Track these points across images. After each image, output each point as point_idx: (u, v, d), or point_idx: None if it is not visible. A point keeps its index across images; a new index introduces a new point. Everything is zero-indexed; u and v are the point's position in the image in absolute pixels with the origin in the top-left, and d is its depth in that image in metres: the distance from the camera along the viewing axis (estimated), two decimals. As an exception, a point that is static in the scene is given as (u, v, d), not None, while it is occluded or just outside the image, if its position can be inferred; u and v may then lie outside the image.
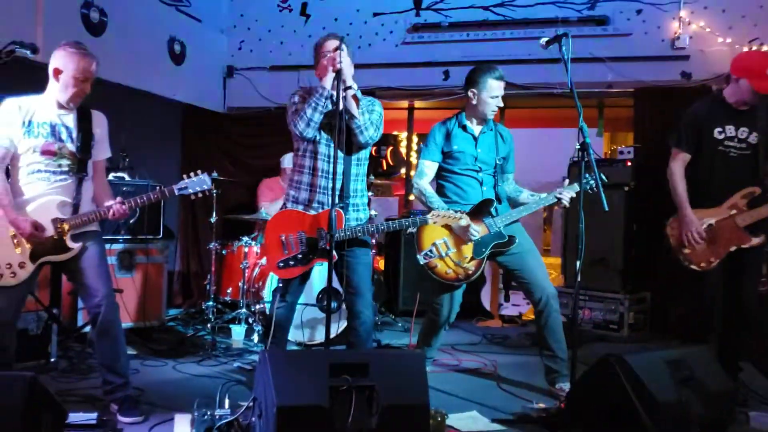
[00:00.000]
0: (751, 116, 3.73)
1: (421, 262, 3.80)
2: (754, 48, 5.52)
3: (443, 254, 3.79)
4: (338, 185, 3.36)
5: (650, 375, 2.87)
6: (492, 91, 3.80)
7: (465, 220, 3.63)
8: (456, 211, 3.48)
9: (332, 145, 3.46)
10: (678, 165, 3.84)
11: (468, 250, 3.80)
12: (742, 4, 5.63)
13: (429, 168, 3.93)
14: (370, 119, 3.47)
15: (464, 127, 3.92)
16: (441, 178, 3.97)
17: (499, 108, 3.91)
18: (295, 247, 3.46)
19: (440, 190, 3.95)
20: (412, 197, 7.57)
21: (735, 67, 3.77)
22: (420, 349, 4.09)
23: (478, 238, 3.77)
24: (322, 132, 3.48)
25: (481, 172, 3.91)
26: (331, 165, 3.44)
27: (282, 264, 3.47)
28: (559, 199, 3.83)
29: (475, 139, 3.92)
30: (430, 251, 3.78)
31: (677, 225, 3.82)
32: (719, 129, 3.74)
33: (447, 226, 3.76)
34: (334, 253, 3.28)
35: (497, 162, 3.94)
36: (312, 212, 3.49)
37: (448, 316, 3.99)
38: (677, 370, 2.96)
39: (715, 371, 3.16)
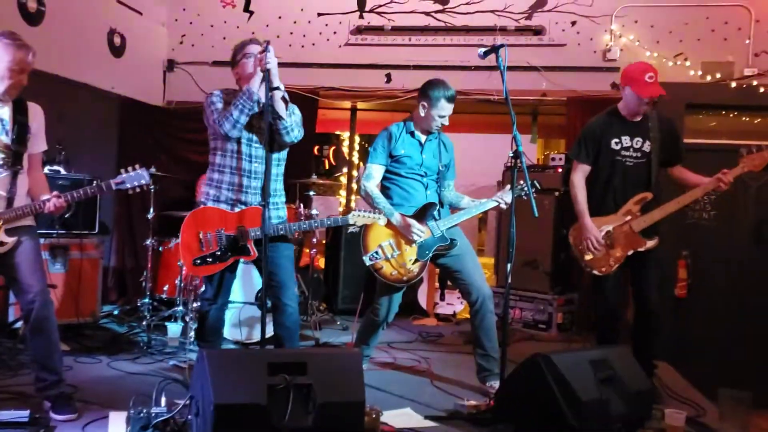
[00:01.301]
0: (644, 126, 3.96)
1: (367, 263, 3.88)
2: (678, 63, 5.83)
3: (389, 256, 3.88)
4: (261, 185, 3.41)
5: (574, 374, 3.03)
6: (441, 111, 3.90)
7: (382, 221, 3.72)
8: (377, 213, 3.59)
9: (253, 145, 3.51)
10: (578, 176, 4.06)
11: (412, 252, 3.90)
12: (668, 21, 5.95)
13: (376, 171, 4.02)
14: (294, 120, 3.52)
15: (411, 133, 4.03)
16: (387, 180, 4.05)
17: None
18: (213, 245, 3.49)
19: (385, 192, 4.03)
20: (354, 197, 7.65)
21: (622, 78, 4.02)
22: (358, 348, 4.17)
23: (421, 241, 3.88)
24: (244, 131, 3.50)
25: (425, 177, 4.02)
26: (254, 164, 3.50)
27: (199, 261, 3.49)
28: (499, 204, 3.97)
29: (421, 145, 4.02)
30: (376, 253, 3.87)
31: (577, 233, 4.03)
32: (616, 140, 3.97)
33: (392, 228, 3.86)
34: (255, 250, 3.36)
35: (440, 168, 4.06)
36: (235, 210, 3.52)
37: (386, 315, 4.08)
38: (600, 369, 3.13)
39: (635, 371, 3.35)
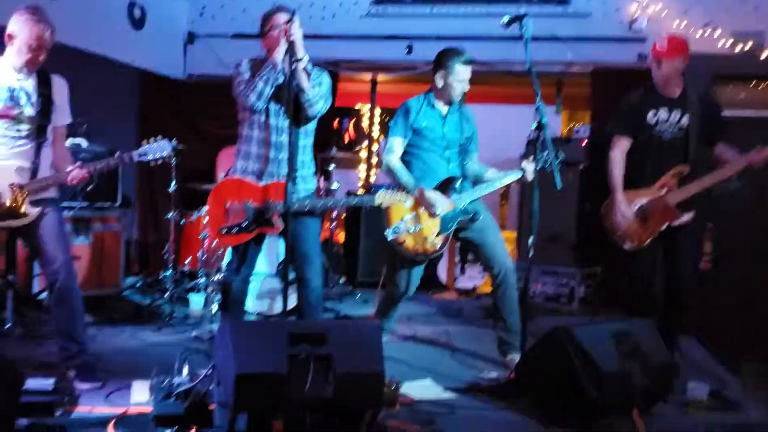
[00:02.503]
0: (682, 101, 3.88)
1: (390, 238, 3.84)
2: (707, 33, 5.68)
3: (411, 229, 3.85)
4: (287, 156, 3.38)
5: (596, 347, 3.00)
6: (459, 75, 3.84)
7: (409, 203, 3.71)
8: (404, 194, 3.57)
9: (281, 116, 3.49)
10: (616, 151, 3.98)
11: (435, 225, 3.87)
12: (697, -11, 5.78)
13: (398, 144, 3.97)
14: (319, 92, 3.48)
15: (432, 106, 3.97)
16: (408, 153, 4.00)
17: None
18: (240, 215, 3.48)
19: (407, 166, 3.98)
20: (374, 170, 7.62)
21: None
22: (378, 320, 4.17)
23: (444, 214, 3.85)
24: (271, 103, 3.48)
25: (447, 150, 3.98)
26: (280, 136, 3.47)
27: (225, 230, 3.49)
28: (524, 174, 3.92)
29: (443, 117, 3.97)
30: (398, 227, 3.84)
31: (609, 207, 3.97)
32: (653, 113, 3.89)
33: (415, 202, 3.83)
34: (281, 223, 3.34)
35: (462, 141, 4.01)
36: (261, 183, 3.51)
37: (407, 289, 4.06)
38: (622, 342, 3.09)
39: (658, 344, 3.30)
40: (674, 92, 3.88)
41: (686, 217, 3.80)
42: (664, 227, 3.82)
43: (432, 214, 3.84)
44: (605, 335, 3.10)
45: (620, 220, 3.89)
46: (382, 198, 3.50)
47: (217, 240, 5.06)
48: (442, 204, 3.82)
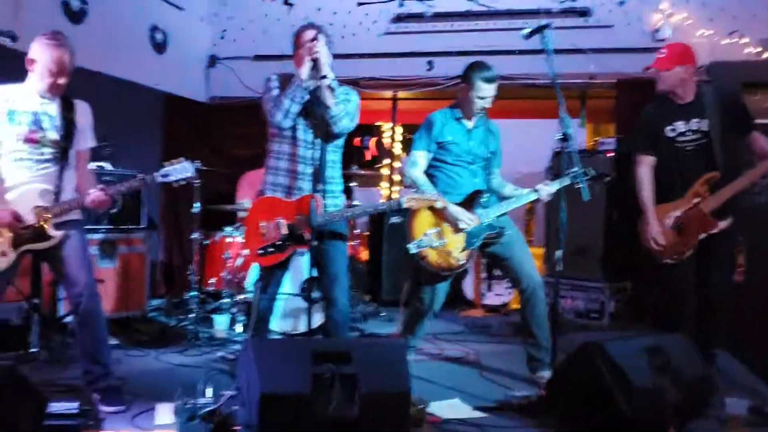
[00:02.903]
0: (698, 106, 3.80)
1: (413, 251, 3.77)
2: (734, 41, 5.59)
3: (435, 244, 3.79)
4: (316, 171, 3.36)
5: (628, 362, 2.91)
6: (480, 92, 3.80)
7: (441, 203, 3.64)
8: (434, 193, 3.52)
9: (309, 130, 3.47)
10: (642, 170, 3.93)
11: (460, 240, 3.81)
12: (721, -3, 5.69)
13: (421, 158, 3.93)
14: (345, 109, 3.46)
15: (458, 120, 3.93)
16: (433, 168, 3.96)
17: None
18: (275, 234, 3.46)
19: (432, 180, 3.92)
20: (396, 188, 7.59)
21: (676, 60, 3.85)
22: (403, 338, 4.11)
23: (470, 229, 3.79)
24: (300, 118, 3.48)
25: (473, 165, 3.93)
26: (309, 151, 3.45)
27: (262, 251, 3.47)
28: (539, 196, 3.85)
29: (468, 131, 3.93)
30: (422, 241, 3.78)
31: (643, 225, 3.91)
32: (670, 128, 3.83)
33: (439, 216, 3.78)
34: (312, 237, 3.30)
35: (487, 155, 3.96)
36: (292, 198, 3.49)
37: (432, 305, 3.99)
38: (655, 357, 2.99)
39: (692, 358, 3.20)
40: (687, 99, 3.81)
41: (723, 224, 3.70)
42: (702, 236, 3.72)
43: (457, 229, 3.79)
44: (637, 350, 3.01)
45: (656, 236, 3.80)
46: (410, 200, 3.45)
47: (243, 259, 5.12)
48: (467, 218, 3.77)
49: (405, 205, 3.47)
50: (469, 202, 3.83)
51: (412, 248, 3.77)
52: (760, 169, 3.69)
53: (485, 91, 3.80)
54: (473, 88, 3.80)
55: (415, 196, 3.45)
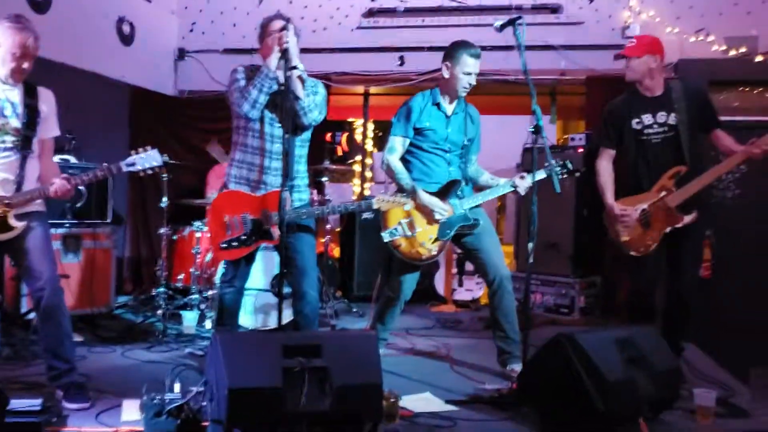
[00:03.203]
0: (666, 99, 3.83)
1: (386, 240, 3.76)
2: (701, 38, 5.67)
3: (408, 233, 3.77)
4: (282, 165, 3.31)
5: (600, 354, 2.91)
6: (465, 67, 3.76)
7: (409, 206, 3.64)
8: (403, 197, 3.51)
9: (276, 124, 3.44)
10: (602, 162, 4.01)
11: (433, 230, 3.79)
12: (689, -5, 5.76)
13: (399, 143, 3.89)
14: (314, 101, 3.44)
15: (438, 105, 3.89)
16: (408, 153, 3.92)
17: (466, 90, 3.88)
18: (239, 228, 3.42)
19: (406, 166, 3.89)
20: (367, 184, 7.56)
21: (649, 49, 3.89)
22: (374, 329, 4.07)
23: (444, 220, 3.77)
24: (267, 111, 3.43)
25: (449, 153, 3.90)
26: (275, 145, 3.43)
27: (225, 245, 3.43)
28: (516, 188, 3.85)
29: (448, 118, 3.89)
30: (395, 230, 3.76)
31: (609, 216, 3.94)
32: (636, 120, 3.86)
33: (415, 205, 3.76)
34: (277, 235, 3.25)
35: (465, 143, 3.93)
36: (258, 193, 3.44)
37: (402, 293, 3.97)
38: (626, 349, 3.01)
39: (662, 350, 3.23)
40: (655, 92, 3.84)
41: (688, 218, 3.74)
42: (667, 230, 3.75)
43: (430, 220, 3.77)
44: (609, 342, 3.02)
45: (621, 226, 3.83)
46: (380, 202, 3.44)
47: (213, 255, 5.05)
48: (441, 209, 3.75)
49: (375, 206, 3.46)
50: (445, 192, 3.81)
51: (386, 237, 3.76)
52: (726, 164, 3.73)
53: (471, 67, 3.76)
54: (459, 63, 3.76)
55: (385, 198, 3.45)
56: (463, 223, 3.81)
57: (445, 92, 3.88)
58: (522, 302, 3.70)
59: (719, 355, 4.35)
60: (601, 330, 3.72)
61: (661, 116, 3.81)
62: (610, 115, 3.99)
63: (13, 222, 3.07)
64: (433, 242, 3.78)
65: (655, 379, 3.01)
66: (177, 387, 2.98)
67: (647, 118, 3.84)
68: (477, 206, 3.89)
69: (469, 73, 3.78)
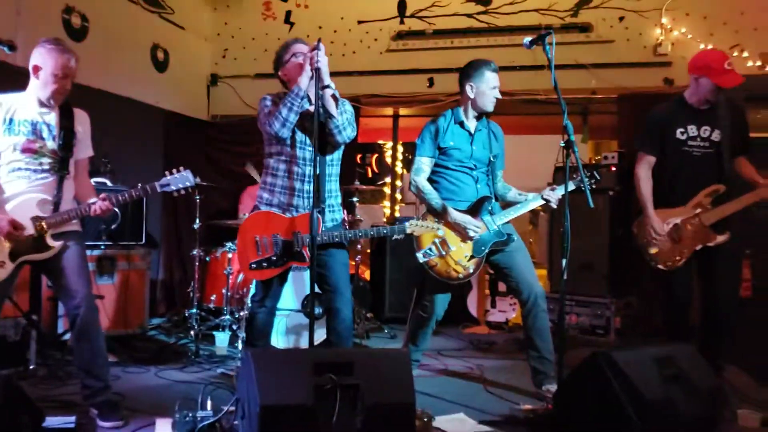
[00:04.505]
0: (712, 114, 3.77)
1: (421, 260, 3.75)
2: (735, 54, 5.58)
3: (443, 253, 3.75)
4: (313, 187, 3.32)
5: (638, 372, 2.84)
6: (490, 82, 3.79)
7: (442, 231, 3.65)
8: (436, 223, 3.54)
9: (306, 147, 3.45)
10: (642, 168, 3.92)
11: (468, 248, 3.77)
12: (722, 11, 5.69)
13: (425, 164, 3.89)
14: (347, 119, 3.45)
15: (461, 124, 3.90)
16: (435, 173, 3.93)
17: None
18: (269, 249, 3.43)
19: (434, 187, 3.90)
20: (398, 206, 7.55)
21: (693, 67, 3.82)
22: (406, 349, 4.04)
23: (477, 237, 3.75)
24: (297, 134, 3.45)
25: (475, 170, 3.89)
26: (307, 167, 3.43)
27: (255, 265, 3.43)
28: (547, 201, 3.82)
29: (471, 135, 3.89)
30: (430, 249, 3.75)
31: (641, 226, 3.87)
32: (681, 129, 3.80)
33: (447, 225, 3.75)
34: (309, 257, 3.26)
35: (490, 159, 3.92)
36: (288, 215, 3.46)
37: (435, 312, 3.95)
38: (665, 367, 2.94)
39: (703, 368, 3.13)
40: (704, 106, 3.78)
41: (721, 238, 3.66)
42: (698, 248, 3.68)
43: (464, 238, 3.75)
44: (647, 360, 2.94)
45: (653, 239, 3.76)
46: (414, 227, 3.44)
47: (243, 275, 5.07)
48: (474, 226, 3.73)
49: (408, 231, 3.46)
50: (476, 209, 3.79)
51: (420, 257, 3.75)
52: (763, 192, 3.65)
53: (495, 80, 3.81)
54: (483, 80, 3.79)
55: (418, 223, 3.46)
56: (497, 239, 3.78)
57: (470, 111, 3.90)
58: (556, 322, 3.62)
59: (762, 375, 4.22)
60: (638, 348, 3.63)
61: (705, 130, 3.76)
62: (655, 120, 3.91)
63: (50, 242, 3.13)
64: (468, 260, 3.76)
65: (696, 398, 2.92)
66: (209, 405, 2.99)
67: (692, 130, 3.78)
68: (507, 222, 3.86)
69: (495, 87, 3.82)
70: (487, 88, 3.79)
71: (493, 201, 3.87)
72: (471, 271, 3.78)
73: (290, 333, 4.73)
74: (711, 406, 3.04)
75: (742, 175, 3.77)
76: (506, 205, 3.96)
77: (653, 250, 3.79)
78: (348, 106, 3.55)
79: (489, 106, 3.84)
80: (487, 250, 3.78)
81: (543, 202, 3.84)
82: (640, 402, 2.76)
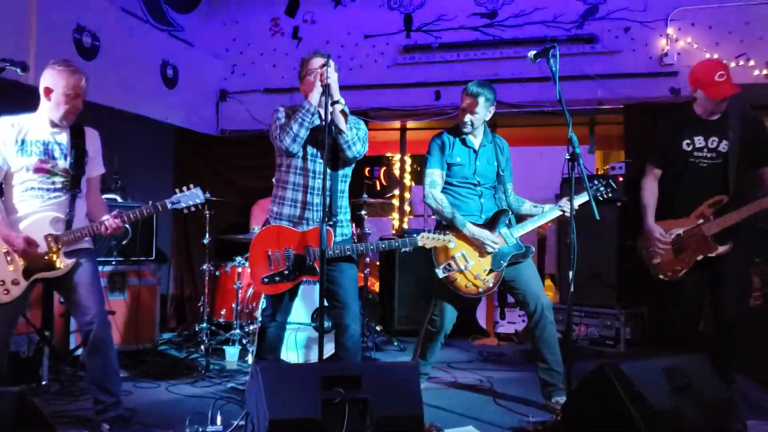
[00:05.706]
0: (721, 125, 3.77)
1: (440, 276, 3.77)
2: (741, 63, 5.59)
3: (462, 268, 3.77)
4: (326, 201, 3.35)
5: (646, 383, 2.84)
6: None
7: (453, 243, 3.65)
8: (447, 235, 3.52)
9: (318, 161, 3.47)
10: (648, 179, 3.97)
11: (487, 262, 3.79)
12: (727, 21, 5.71)
13: (438, 176, 3.92)
14: (357, 135, 3.48)
15: (463, 141, 3.93)
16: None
17: (491, 126, 3.94)
18: (282, 264, 3.45)
19: None
20: (407, 218, 7.57)
21: (690, 80, 3.85)
22: (414, 362, 4.05)
23: (496, 250, 3.77)
24: (308, 147, 3.48)
25: (479, 186, 3.92)
26: (317, 181, 3.46)
27: (267, 279, 3.45)
28: (564, 212, 3.84)
29: (476, 152, 3.93)
30: (449, 265, 3.76)
31: (644, 236, 3.89)
32: (687, 141, 3.81)
33: (464, 239, 3.78)
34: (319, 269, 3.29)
35: (499, 173, 3.96)
36: (300, 229, 3.49)
37: (444, 325, 3.96)
38: (673, 377, 2.93)
39: (712, 379, 3.12)
40: (713, 117, 3.79)
41: (723, 249, 3.66)
42: (699, 258, 3.68)
43: (482, 252, 3.76)
44: (655, 370, 2.94)
45: (654, 249, 3.77)
46: (425, 239, 3.45)
47: (253, 289, 5.10)
48: (491, 241, 3.75)
49: (419, 244, 3.48)
50: (493, 223, 3.82)
51: (440, 273, 3.75)
52: (765, 201, 3.65)
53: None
54: (493, 104, 3.86)
55: (429, 236, 3.46)
56: (516, 252, 3.81)
57: (467, 127, 3.92)
58: (564, 333, 3.63)
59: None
60: (647, 358, 3.63)
61: (713, 141, 3.76)
62: (662, 134, 3.94)
63: (62, 259, 3.17)
64: (488, 274, 3.78)
65: (705, 409, 2.91)
66: (219, 420, 3.01)
67: (699, 141, 3.79)
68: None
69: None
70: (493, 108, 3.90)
71: (510, 214, 3.89)
72: (491, 285, 3.79)
73: (300, 347, 4.75)
74: (721, 417, 3.03)
75: (766, 188, 3.76)
76: (520, 218, 3.98)
77: (655, 261, 3.80)
78: (362, 125, 3.59)
79: (463, 126, 3.94)
80: (506, 263, 3.79)
81: (560, 213, 3.86)
82: (648, 412, 2.76)
